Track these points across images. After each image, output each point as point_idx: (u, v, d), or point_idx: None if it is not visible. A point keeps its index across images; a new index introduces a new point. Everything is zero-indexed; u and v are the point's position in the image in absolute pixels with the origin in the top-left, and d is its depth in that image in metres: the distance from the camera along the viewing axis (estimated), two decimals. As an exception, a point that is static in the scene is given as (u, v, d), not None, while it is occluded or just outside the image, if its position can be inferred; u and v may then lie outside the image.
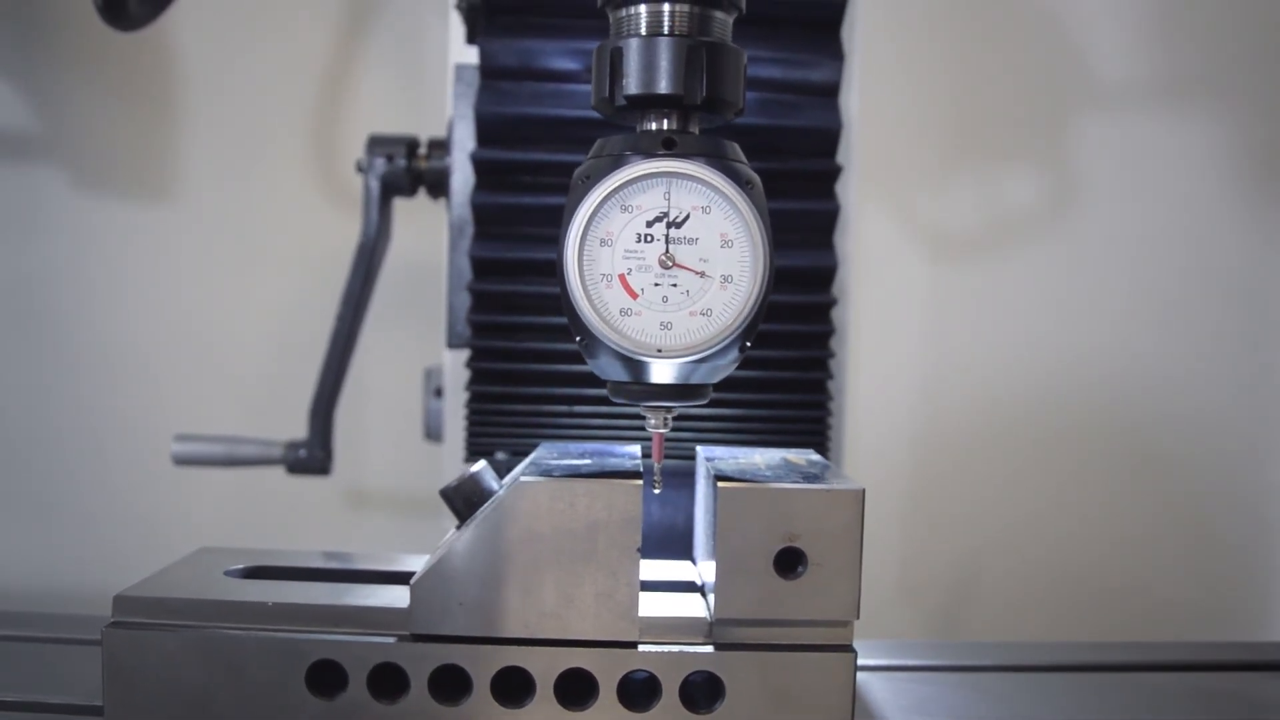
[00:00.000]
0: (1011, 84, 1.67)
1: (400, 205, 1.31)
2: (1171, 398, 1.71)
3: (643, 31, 0.74)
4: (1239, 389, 1.72)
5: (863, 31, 1.19)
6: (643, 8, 0.74)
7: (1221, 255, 1.70)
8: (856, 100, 1.18)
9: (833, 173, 1.07)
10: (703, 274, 0.74)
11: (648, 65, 0.73)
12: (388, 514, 1.70)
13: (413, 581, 0.76)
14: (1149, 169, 1.68)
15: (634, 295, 0.74)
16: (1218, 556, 1.74)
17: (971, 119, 1.67)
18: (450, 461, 1.28)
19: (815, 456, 0.90)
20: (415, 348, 1.54)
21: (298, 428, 1.36)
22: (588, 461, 0.83)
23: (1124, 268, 1.69)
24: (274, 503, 1.63)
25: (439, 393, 1.35)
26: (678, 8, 0.74)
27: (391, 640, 0.76)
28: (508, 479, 0.81)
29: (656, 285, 0.74)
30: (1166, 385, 1.70)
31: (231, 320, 1.68)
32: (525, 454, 1.08)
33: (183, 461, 1.38)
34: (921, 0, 1.65)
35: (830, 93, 1.07)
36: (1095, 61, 1.66)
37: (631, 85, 0.74)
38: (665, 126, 0.75)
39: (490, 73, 1.07)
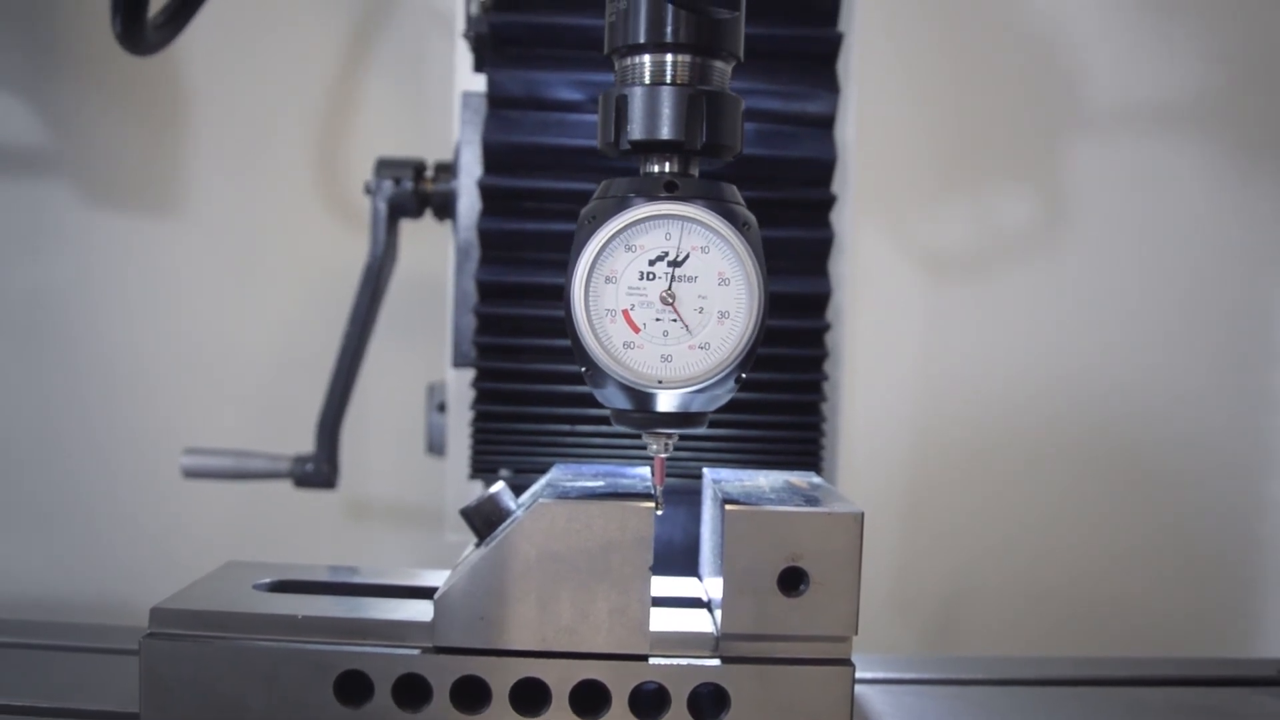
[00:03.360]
0: (1006, 109, 1.70)
1: (405, 225, 1.34)
2: (1164, 415, 1.73)
3: (646, 80, 0.78)
4: (1231, 406, 1.74)
5: (858, 64, 1.23)
6: (646, 58, 0.78)
7: (1214, 275, 1.72)
8: (852, 131, 1.22)
9: (827, 202, 1.11)
10: (700, 311, 0.78)
11: (651, 112, 0.78)
12: (390, 526, 1.72)
13: (436, 596, 0.80)
14: (1143, 190, 1.70)
15: (636, 329, 0.78)
16: (1209, 572, 1.76)
17: (966, 144, 1.70)
18: (454, 477, 1.31)
19: (817, 479, 0.94)
20: (418, 364, 1.57)
21: (303, 442, 1.39)
22: (601, 483, 0.87)
23: (1117, 289, 1.72)
24: (279, 514, 1.65)
25: (442, 408, 1.38)
26: (679, 58, 0.78)
27: (415, 652, 0.80)
28: (524, 498, 0.85)
29: (658, 320, 0.78)
30: (1159, 403, 1.73)
31: (238, 336, 1.70)
32: (528, 471, 1.12)
33: (192, 474, 1.40)
34: (915, 32, 1.67)
35: (825, 124, 1.11)
36: (1089, 85, 1.68)
37: (636, 131, 0.78)
38: (667, 170, 0.79)
39: (497, 102, 1.11)
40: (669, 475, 0.88)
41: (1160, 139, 1.70)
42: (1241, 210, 1.72)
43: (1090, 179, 1.70)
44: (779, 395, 1.12)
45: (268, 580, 0.90)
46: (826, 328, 1.12)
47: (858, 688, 0.92)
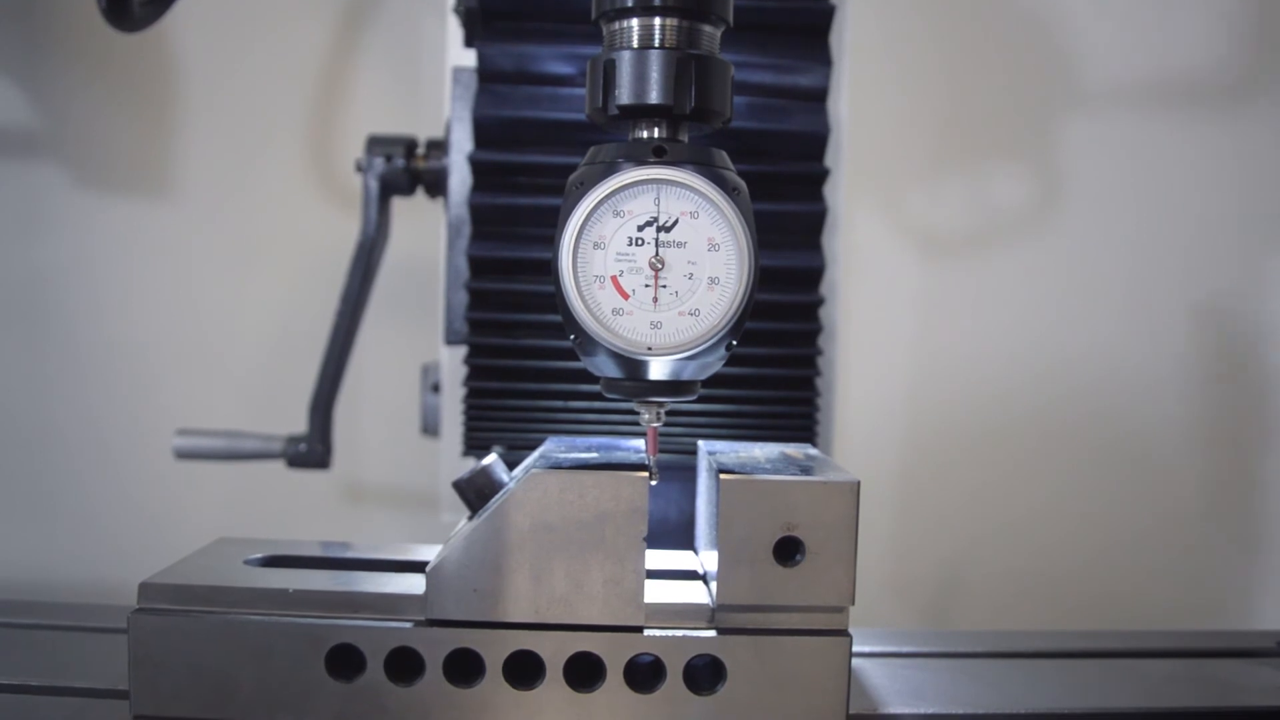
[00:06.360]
0: (1000, 86, 1.68)
1: (398, 203, 1.33)
2: (1158, 396, 1.72)
3: (634, 45, 0.78)
4: (1227, 387, 1.73)
5: (852, 37, 1.22)
6: (634, 22, 0.78)
7: (1210, 255, 1.71)
8: (846, 104, 1.21)
9: (820, 175, 1.10)
10: (690, 277, 0.77)
11: (639, 77, 0.77)
12: (385, 507, 1.72)
13: (428, 568, 0.80)
14: (1138, 170, 1.69)
15: (625, 296, 0.77)
16: (1204, 555, 1.75)
17: (961, 121, 1.69)
18: (448, 456, 1.31)
19: (813, 451, 0.94)
20: (412, 344, 1.56)
21: (297, 422, 1.38)
22: (594, 455, 0.87)
23: (1112, 269, 1.71)
24: (274, 496, 1.65)
25: (436, 388, 1.37)
26: (668, 22, 0.77)
27: (408, 625, 0.80)
28: (517, 471, 0.85)
29: (647, 286, 0.77)
30: (1155, 383, 1.72)
31: (232, 317, 1.69)
32: (522, 448, 1.12)
33: (184, 455, 1.39)
34: (910, 6, 1.66)
35: (819, 98, 1.10)
36: (1084, 63, 1.67)
37: (624, 96, 0.77)
38: (656, 135, 0.79)
39: (488, 76, 1.10)
40: (663, 450, 0.87)
41: (1157, 117, 1.69)
42: (1237, 190, 1.71)
43: (1086, 158, 1.69)
44: (773, 370, 1.11)
45: (259, 555, 0.90)
46: (820, 302, 1.11)
47: (856, 661, 0.92)
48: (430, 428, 1.38)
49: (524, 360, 1.11)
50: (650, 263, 0.77)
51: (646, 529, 0.79)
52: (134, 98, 1.67)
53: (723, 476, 0.79)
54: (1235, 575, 1.76)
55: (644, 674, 0.81)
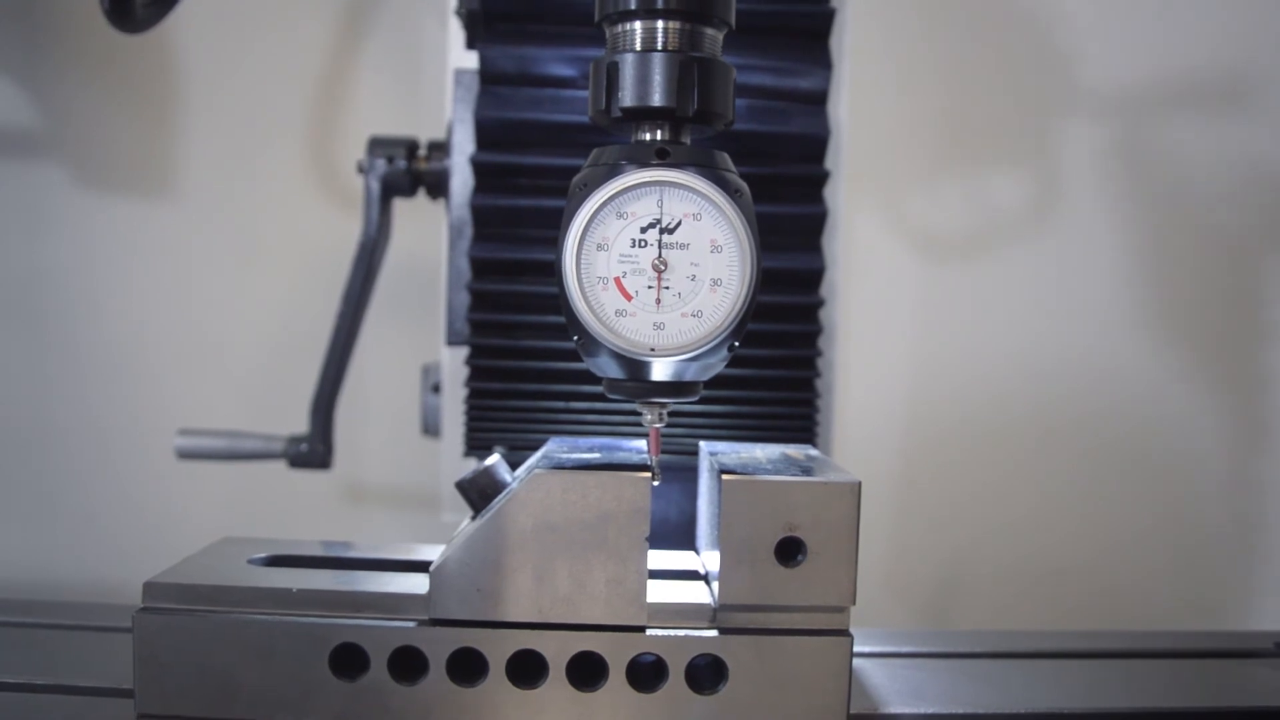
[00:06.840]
0: (1000, 88, 1.69)
1: (399, 204, 1.33)
2: (1157, 397, 1.72)
3: (637, 47, 0.78)
4: (1224, 387, 1.73)
5: (852, 40, 1.22)
6: (637, 24, 0.78)
7: (1207, 258, 1.71)
8: (846, 107, 1.21)
9: (820, 178, 1.10)
10: (693, 279, 0.78)
11: (642, 79, 0.77)
12: (386, 507, 1.72)
13: (432, 568, 0.80)
14: (1137, 171, 1.69)
15: (629, 297, 0.77)
16: (1203, 555, 1.76)
17: (960, 125, 1.69)
18: (449, 456, 1.31)
19: (813, 451, 0.94)
20: (413, 345, 1.57)
21: (298, 422, 1.38)
22: (597, 455, 0.87)
23: (1112, 269, 1.71)
24: (275, 496, 1.65)
25: (436, 389, 1.37)
26: (670, 25, 0.77)
27: (411, 625, 0.80)
28: (519, 471, 0.85)
29: (650, 288, 0.77)
30: (1152, 385, 1.72)
31: (232, 317, 1.69)
32: (523, 448, 1.12)
33: (186, 455, 1.39)
34: (911, 10, 1.66)
35: (819, 100, 1.10)
36: (1084, 64, 1.67)
37: (626, 98, 0.78)
38: (658, 137, 0.79)
39: (490, 78, 1.10)
40: (665, 451, 0.88)
41: (1157, 118, 1.69)
42: (1236, 191, 1.71)
43: (1086, 159, 1.69)
44: (774, 371, 1.11)
45: (262, 555, 0.90)
46: (821, 303, 1.11)
47: (857, 661, 0.92)
48: (431, 428, 1.38)
49: (525, 361, 1.11)
50: (653, 264, 0.77)
51: (649, 529, 0.80)
52: (134, 98, 1.67)
53: (725, 477, 0.79)
54: (1235, 575, 1.76)
55: (646, 673, 0.81)
